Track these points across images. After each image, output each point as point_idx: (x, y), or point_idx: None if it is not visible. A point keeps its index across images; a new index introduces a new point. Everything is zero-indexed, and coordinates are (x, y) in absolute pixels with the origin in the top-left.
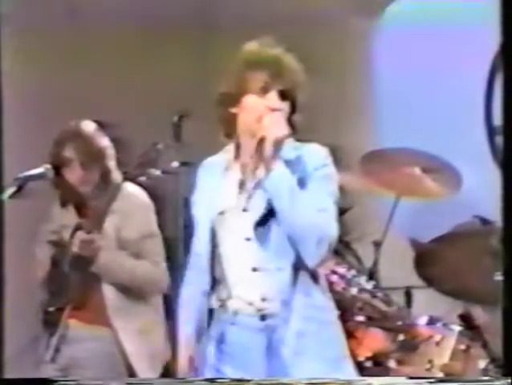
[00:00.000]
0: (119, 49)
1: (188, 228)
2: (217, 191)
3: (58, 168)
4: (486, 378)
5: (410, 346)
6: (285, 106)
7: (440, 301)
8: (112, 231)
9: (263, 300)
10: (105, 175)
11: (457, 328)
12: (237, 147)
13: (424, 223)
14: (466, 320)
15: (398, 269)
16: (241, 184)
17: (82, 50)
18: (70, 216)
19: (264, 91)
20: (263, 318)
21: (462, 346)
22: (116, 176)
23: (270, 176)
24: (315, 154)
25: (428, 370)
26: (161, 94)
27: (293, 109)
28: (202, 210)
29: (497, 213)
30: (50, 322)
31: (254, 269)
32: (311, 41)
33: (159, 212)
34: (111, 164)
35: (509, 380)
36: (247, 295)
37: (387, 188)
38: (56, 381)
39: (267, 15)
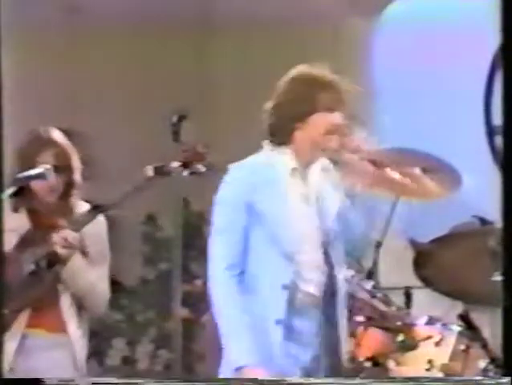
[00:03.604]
0: (118, 48)
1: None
2: (287, 195)
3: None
4: (486, 378)
5: (409, 346)
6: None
7: (439, 301)
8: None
9: (323, 292)
10: (69, 187)
11: (457, 328)
12: (296, 156)
13: (424, 223)
14: (466, 320)
15: (397, 269)
16: (306, 190)
17: (82, 50)
18: (18, 221)
19: (331, 110)
20: (326, 306)
21: (462, 346)
22: (78, 187)
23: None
24: None
25: (428, 370)
26: (160, 94)
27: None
28: (277, 210)
29: (497, 213)
30: (2, 326)
31: (318, 267)
32: (311, 41)
33: (158, 213)
34: (78, 177)
35: (510, 380)
36: (311, 289)
37: (387, 188)
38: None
39: (267, 16)
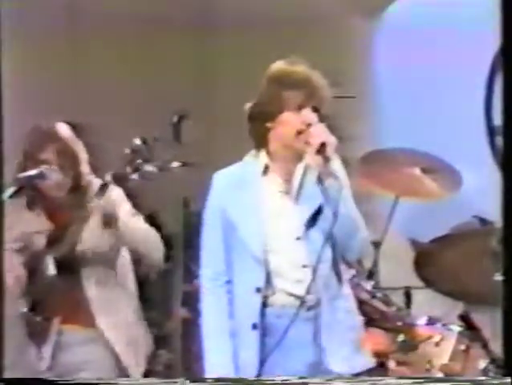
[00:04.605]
0: (119, 48)
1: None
2: (259, 195)
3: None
4: (486, 378)
5: (410, 346)
6: (316, 118)
7: (439, 301)
8: (95, 224)
9: (309, 293)
10: (78, 179)
11: (457, 328)
12: (269, 156)
13: (424, 223)
14: (466, 320)
15: (398, 269)
16: (284, 188)
17: (81, 50)
18: (39, 222)
19: (300, 108)
20: (309, 308)
21: (462, 347)
22: (89, 180)
23: (332, 179)
24: (336, 158)
25: (428, 370)
26: (161, 94)
27: (320, 119)
28: (245, 214)
29: (497, 213)
30: (38, 332)
31: (304, 266)
32: (311, 41)
33: (158, 212)
34: (85, 167)
35: (510, 380)
36: (295, 290)
37: (387, 188)
38: (56, 382)
39: (267, 15)
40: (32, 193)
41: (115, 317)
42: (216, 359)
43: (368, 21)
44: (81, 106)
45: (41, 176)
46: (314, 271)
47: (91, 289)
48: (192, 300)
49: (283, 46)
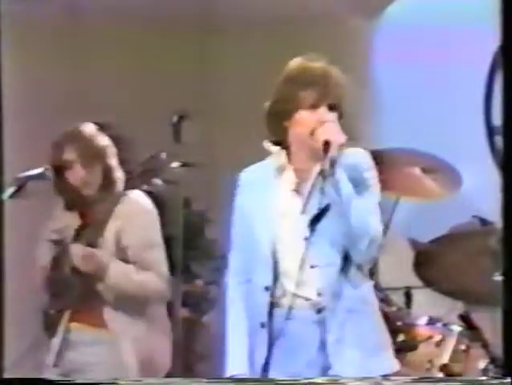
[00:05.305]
0: (118, 48)
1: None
2: (273, 194)
3: (60, 172)
4: (486, 378)
5: (410, 346)
6: (333, 116)
7: (439, 301)
8: (113, 237)
9: (319, 294)
10: (108, 174)
11: (457, 328)
12: (288, 155)
13: (424, 223)
14: (466, 320)
15: (398, 269)
16: (297, 187)
17: (82, 50)
18: (74, 217)
19: (315, 107)
20: (319, 311)
21: (462, 347)
22: (119, 174)
23: (333, 180)
24: (361, 158)
25: (428, 370)
26: (161, 94)
27: (339, 117)
28: (259, 212)
29: (497, 213)
30: (51, 325)
31: (312, 267)
32: (311, 41)
33: (159, 212)
34: (113, 162)
35: (510, 380)
36: (305, 291)
37: (387, 188)
38: (56, 382)
39: (267, 15)
40: (68, 194)
41: (127, 327)
42: (235, 358)
43: (368, 21)
44: (81, 106)
45: (41, 176)
46: (322, 272)
47: (107, 292)
48: (192, 300)
49: (283, 46)
